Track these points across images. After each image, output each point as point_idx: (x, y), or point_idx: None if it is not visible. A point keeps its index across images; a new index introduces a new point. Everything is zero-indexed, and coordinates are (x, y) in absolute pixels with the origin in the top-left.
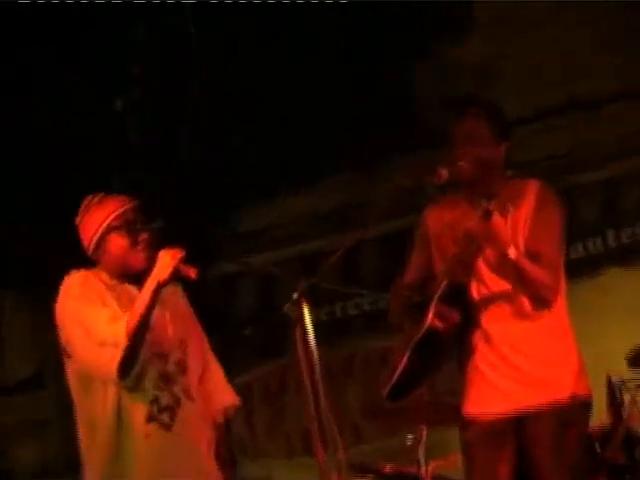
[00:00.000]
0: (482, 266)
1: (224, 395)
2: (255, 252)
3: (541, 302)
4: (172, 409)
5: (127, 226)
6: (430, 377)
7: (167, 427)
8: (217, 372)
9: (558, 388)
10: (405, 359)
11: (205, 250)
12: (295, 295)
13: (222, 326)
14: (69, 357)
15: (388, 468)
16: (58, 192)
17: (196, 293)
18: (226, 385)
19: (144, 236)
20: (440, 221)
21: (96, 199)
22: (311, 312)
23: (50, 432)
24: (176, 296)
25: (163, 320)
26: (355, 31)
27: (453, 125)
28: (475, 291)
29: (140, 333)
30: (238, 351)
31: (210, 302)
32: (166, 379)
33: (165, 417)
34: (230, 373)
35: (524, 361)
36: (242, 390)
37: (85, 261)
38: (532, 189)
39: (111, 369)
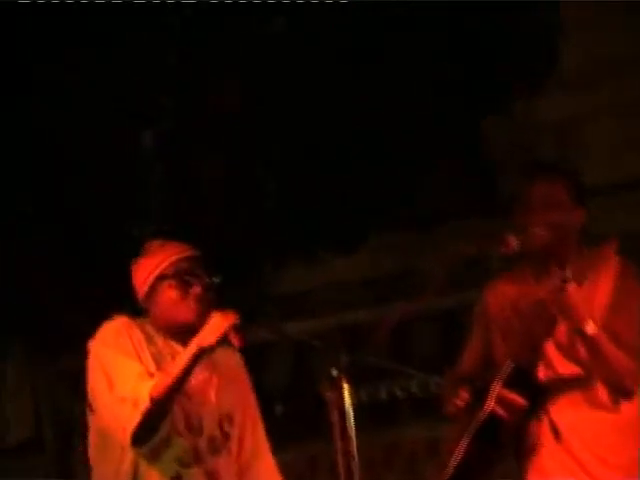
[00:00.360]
0: (550, 346)
1: None
2: (290, 319)
3: (618, 390)
4: None
5: (179, 276)
6: (486, 473)
7: None
8: (268, 465)
9: None
10: (460, 451)
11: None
12: (334, 371)
13: None
14: (92, 411)
15: None
16: (74, 239)
17: None
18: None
19: (196, 289)
20: (502, 299)
21: (155, 244)
22: (351, 392)
23: None
24: (232, 362)
25: (207, 386)
26: (424, 78)
27: (526, 189)
28: (543, 377)
29: (167, 399)
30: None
31: None
32: (195, 456)
33: None
34: None
35: (598, 465)
36: None
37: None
38: (611, 264)
39: (126, 430)
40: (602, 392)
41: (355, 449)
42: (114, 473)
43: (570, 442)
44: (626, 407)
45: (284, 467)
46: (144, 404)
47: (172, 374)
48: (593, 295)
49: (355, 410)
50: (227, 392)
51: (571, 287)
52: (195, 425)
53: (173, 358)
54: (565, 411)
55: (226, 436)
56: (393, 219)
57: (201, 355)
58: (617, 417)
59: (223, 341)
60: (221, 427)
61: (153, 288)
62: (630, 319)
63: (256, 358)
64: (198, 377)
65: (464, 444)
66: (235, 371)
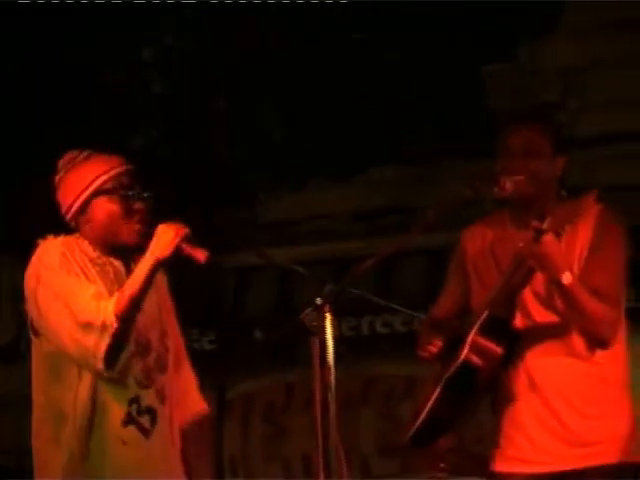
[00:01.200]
0: (527, 295)
1: (194, 399)
2: (278, 246)
3: (596, 340)
4: (153, 412)
5: (120, 192)
6: (460, 422)
7: (146, 433)
8: (190, 373)
9: (606, 452)
10: (433, 400)
11: (220, 236)
12: (318, 301)
13: (227, 323)
14: (37, 335)
15: None
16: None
17: (203, 282)
18: (197, 388)
19: (139, 205)
20: (480, 244)
21: (83, 155)
22: (334, 324)
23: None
24: (162, 282)
25: (150, 306)
26: (426, 23)
27: (507, 135)
28: (519, 324)
29: (131, 316)
30: (242, 355)
31: (218, 295)
32: (147, 376)
33: (145, 421)
34: (229, 378)
35: (572, 414)
36: (241, 401)
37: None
38: (591, 211)
39: (97, 356)
40: (578, 341)
41: (333, 380)
42: (71, 399)
43: (544, 391)
44: (604, 357)
45: (260, 392)
46: (112, 326)
47: (132, 290)
48: (572, 245)
49: (336, 342)
50: (163, 313)
51: (547, 238)
52: (144, 344)
53: (118, 277)
54: (541, 360)
55: (167, 351)
56: (390, 154)
57: (157, 268)
58: (593, 367)
59: (178, 255)
60: (163, 343)
61: (88, 203)
62: (609, 267)
63: (240, 282)
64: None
65: (437, 392)
66: (166, 294)
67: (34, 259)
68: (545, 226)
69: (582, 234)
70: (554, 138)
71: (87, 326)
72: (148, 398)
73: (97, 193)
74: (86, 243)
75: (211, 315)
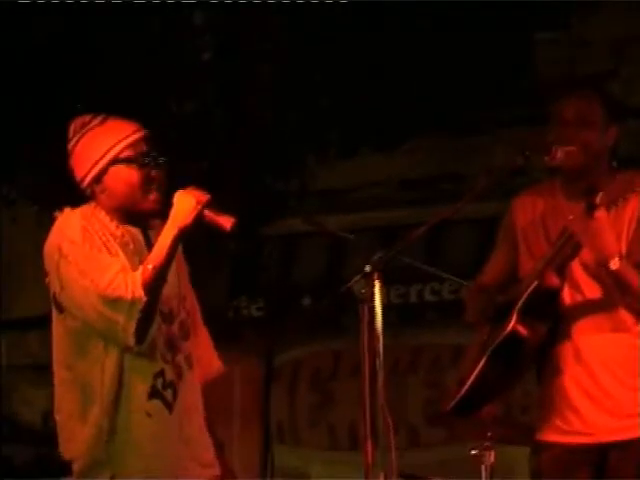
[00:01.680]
0: (576, 267)
1: (210, 359)
2: (328, 213)
3: (637, 312)
4: (175, 385)
5: (139, 159)
6: (505, 392)
7: (169, 407)
8: (205, 333)
9: None
10: (478, 369)
11: (268, 203)
12: (367, 268)
13: (276, 290)
14: (62, 311)
15: None
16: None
17: (251, 249)
18: (212, 348)
19: (156, 172)
20: (530, 213)
21: (98, 120)
22: (383, 291)
23: None
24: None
25: (171, 275)
26: None
27: (560, 104)
28: (568, 298)
29: (157, 288)
30: (290, 322)
31: (266, 262)
32: (171, 345)
33: (168, 394)
34: (277, 345)
35: (617, 386)
36: (289, 368)
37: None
38: None
39: (128, 331)
40: (625, 314)
41: (381, 348)
42: (99, 374)
43: (590, 362)
44: None
45: (308, 359)
46: (140, 300)
47: (156, 262)
48: (621, 221)
49: (384, 310)
50: (182, 278)
51: (600, 213)
52: (167, 313)
53: (138, 247)
54: (588, 331)
55: (188, 315)
56: (437, 123)
57: (180, 238)
58: (635, 338)
59: (200, 223)
60: (184, 307)
61: (104, 172)
62: None
63: (289, 249)
64: None
65: (483, 361)
66: (181, 258)
67: (54, 231)
68: (598, 200)
69: (630, 208)
70: (607, 108)
71: (116, 301)
72: (170, 373)
73: (114, 161)
74: (103, 213)
75: (260, 282)
